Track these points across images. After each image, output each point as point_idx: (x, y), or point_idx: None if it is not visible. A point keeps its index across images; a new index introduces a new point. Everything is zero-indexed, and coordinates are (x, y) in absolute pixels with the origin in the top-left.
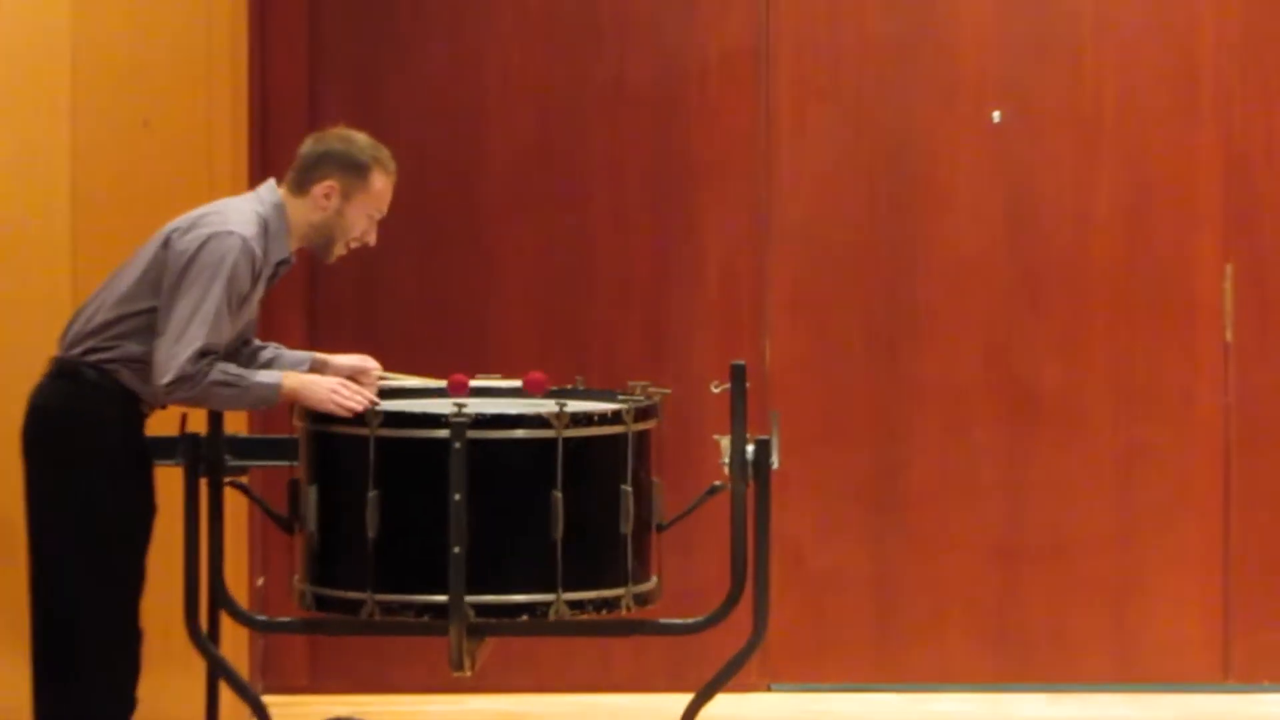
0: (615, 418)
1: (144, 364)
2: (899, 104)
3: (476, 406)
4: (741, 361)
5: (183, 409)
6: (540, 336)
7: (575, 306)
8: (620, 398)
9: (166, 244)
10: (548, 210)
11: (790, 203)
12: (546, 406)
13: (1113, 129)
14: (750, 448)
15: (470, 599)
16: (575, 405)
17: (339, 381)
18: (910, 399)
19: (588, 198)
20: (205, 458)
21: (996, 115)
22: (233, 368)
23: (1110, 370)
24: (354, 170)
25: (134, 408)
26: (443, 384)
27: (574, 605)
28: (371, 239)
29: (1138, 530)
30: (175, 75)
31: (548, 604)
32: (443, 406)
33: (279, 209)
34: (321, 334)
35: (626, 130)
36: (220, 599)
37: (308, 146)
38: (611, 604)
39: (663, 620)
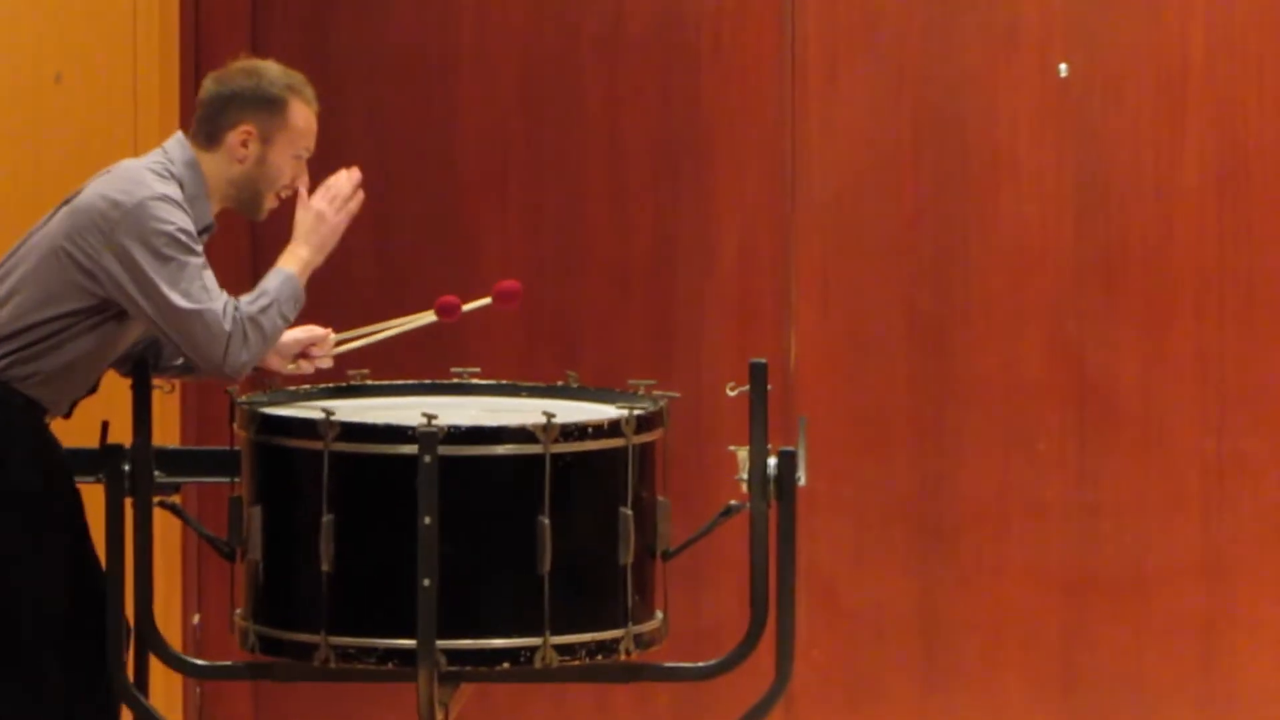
0: (613, 429)
1: (72, 371)
2: (948, 54)
3: (450, 417)
4: (762, 360)
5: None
6: (525, 330)
7: (566, 295)
8: (619, 402)
9: (79, 233)
10: (532, 183)
11: (819, 173)
12: (532, 416)
13: (1201, 83)
14: (772, 461)
15: (442, 644)
16: (567, 414)
17: (311, 210)
18: (961, 404)
19: (579, 167)
20: (131, 474)
21: (1063, 68)
22: (246, 298)
23: (1198, 370)
24: (269, 107)
25: (41, 422)
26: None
27: (564, 650)
28: (303, 182)
29: (1229, 558)
30: (94, 23)
31: (533, 649)
32: (410, 417)
33: (193, 167)
34: None
35: (625, 87)
36: (149, 640)
37: (209, 89)
38: (609, 648)
39: (669, 664)
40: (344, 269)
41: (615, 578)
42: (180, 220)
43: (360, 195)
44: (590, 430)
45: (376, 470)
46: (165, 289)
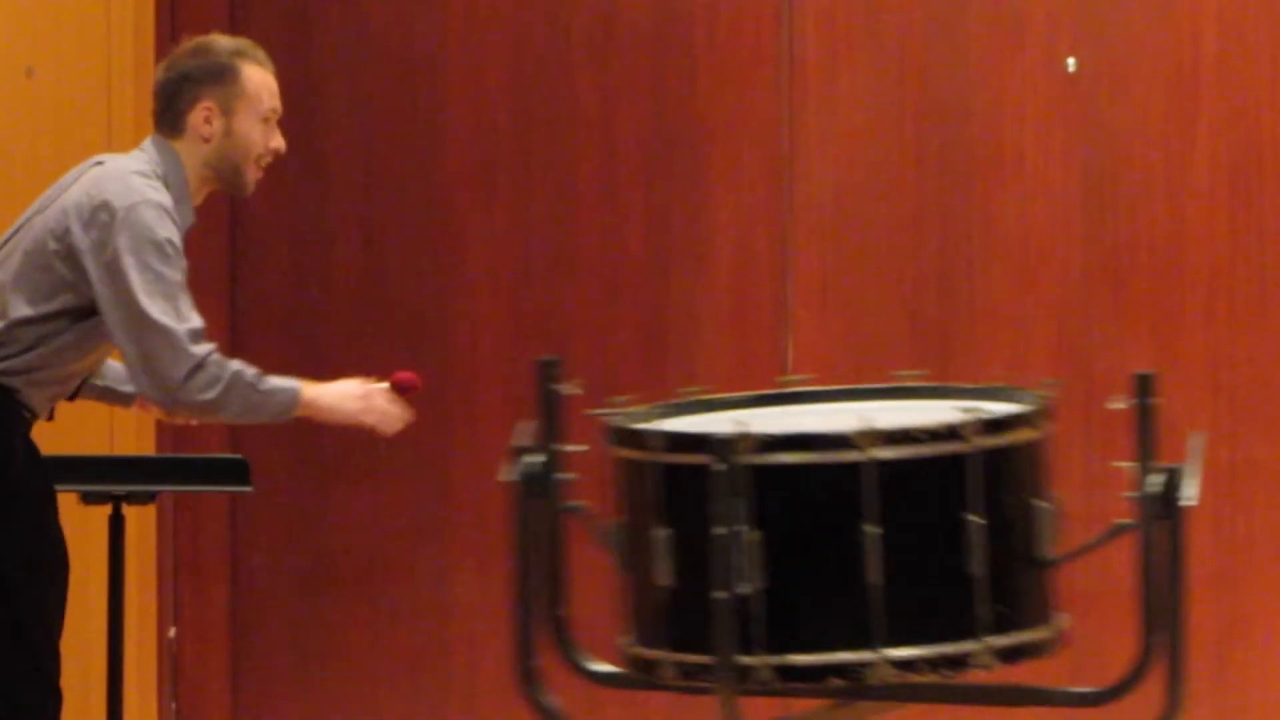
0: (950, 434)
1: (40, 370)
2: (952, 50)
3: (886, 420)
4: (1148, 371)
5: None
6: (513, 336)
7: (555, 299)
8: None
9: (68, 232)
10: (521, 182)
11: (818, 173)
12: (948, 414)
13: (1213, 78)
14: (1159, 478)
15: (772, 659)
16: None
17: (360, 386)
18: None
19: (571, 166)
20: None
21: (1071, 63)
22: (250, 368)
23: (1210, 373)
24: (221, 78)
25: (28, 426)
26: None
27: (902, 665)
28: (279, 143)
29: (1244, 565)
30: (66, 18)
31: (866, 663)
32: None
33: (174, 162)
34: (246, 331)
35: (618, 83)
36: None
37: (160, 77)
38: (957, 662)
39: (1047, 688)
40: (328, 270)
41: (963, 588)
42: (169, 232)
43: (399, 425)
44: (920, 435)
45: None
46: (141, 297)
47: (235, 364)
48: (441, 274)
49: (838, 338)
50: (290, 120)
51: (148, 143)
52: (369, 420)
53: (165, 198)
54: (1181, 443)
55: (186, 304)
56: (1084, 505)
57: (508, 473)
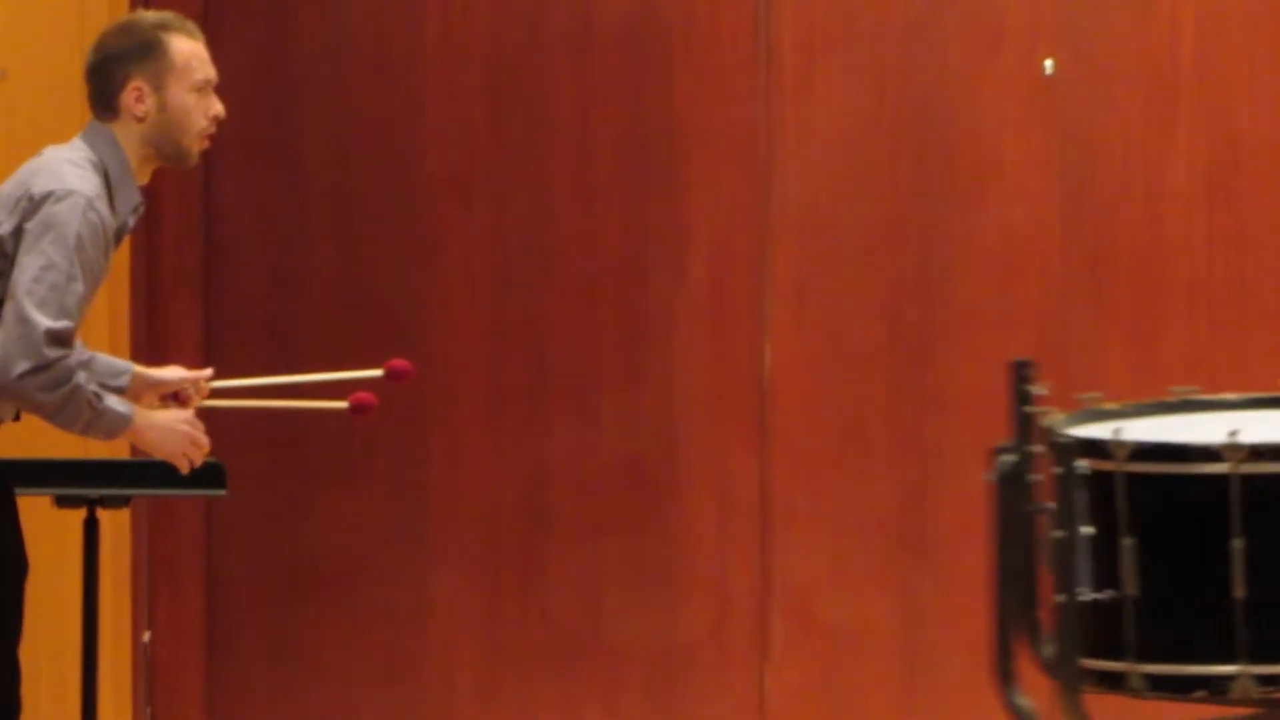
0: None
1: None
2: (930, 52)
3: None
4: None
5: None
6: (488, 336)
7: (533, 301)
8: None
9: (10, 218)
10: (499, 184)
11: (795, 175)
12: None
13: (1192, 81)
14: None
15: (1149, 668)
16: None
17: (188, 423)
18: (943, 413)
19: (548, 169)
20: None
21: (1049, 65)
22: (92, 379)
23: (1189, 376)
24: (147, 54)
25: None
26: (275, 381)
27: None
28: (218, 110)
29: None
30: (39, 19)
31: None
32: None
33: (113, 144)
34: (222, 333)
35: (595, 86)
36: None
37: (88, 61)
38: None
39: None
40: (304, 271)
41: None
42: (83, 225)
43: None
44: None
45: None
46: (25, 281)
47: (81, 377)
48: (419, 276)
49: (815, 340)
50: (266, 121)
51: (90, 129)
52: (180, 463)
53: (94, 186)
54: None
55: (71, 300)
56: None
57: (988, 474)
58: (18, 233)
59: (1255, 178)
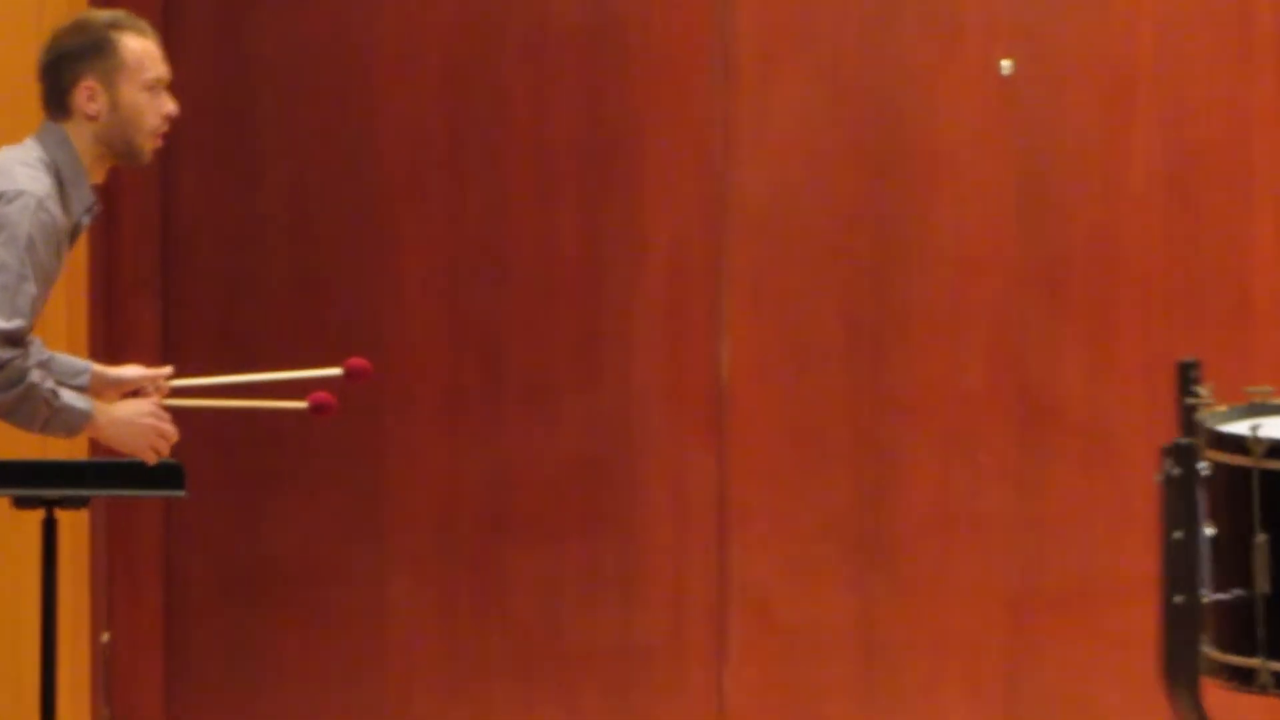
0: None
1: None
2: (888, 52)
3: None
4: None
5: None
6: (445, 336)
7: (489, 301)
8: None
9: None
10: (455, 186)
11: (753, 174)
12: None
13: (1150, 81)
14: None
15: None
16: None
17: (152, 415)
18: (900, 412)
19: (504, 170)
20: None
21: (1007, 65)
22: (49, 377)
23: (1146, 379)
24: (99, 52)
25: None
26: (234, 380)
27: None
28: (171, 109)
29: None
30: None
31: None
32: None
33: (65, 144)
34: (180, 332)
35: (551, 84)
36: None
37: (40, 61)
38: None
39: None
40: (261, 271)
41: None
42: (33, 226)
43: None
44: None
45: None
46: None
47: (35, 375)
48: (375, 276)
49: (772, 339)
50: (224, 122)
51: (43, 129)
52: (147, 456)
53: (44, 186)
54: (1118, 448)
55: (23, 300)
56: (1016, 508)
57: (1157, 474)
58: None
59: (1212, 178)
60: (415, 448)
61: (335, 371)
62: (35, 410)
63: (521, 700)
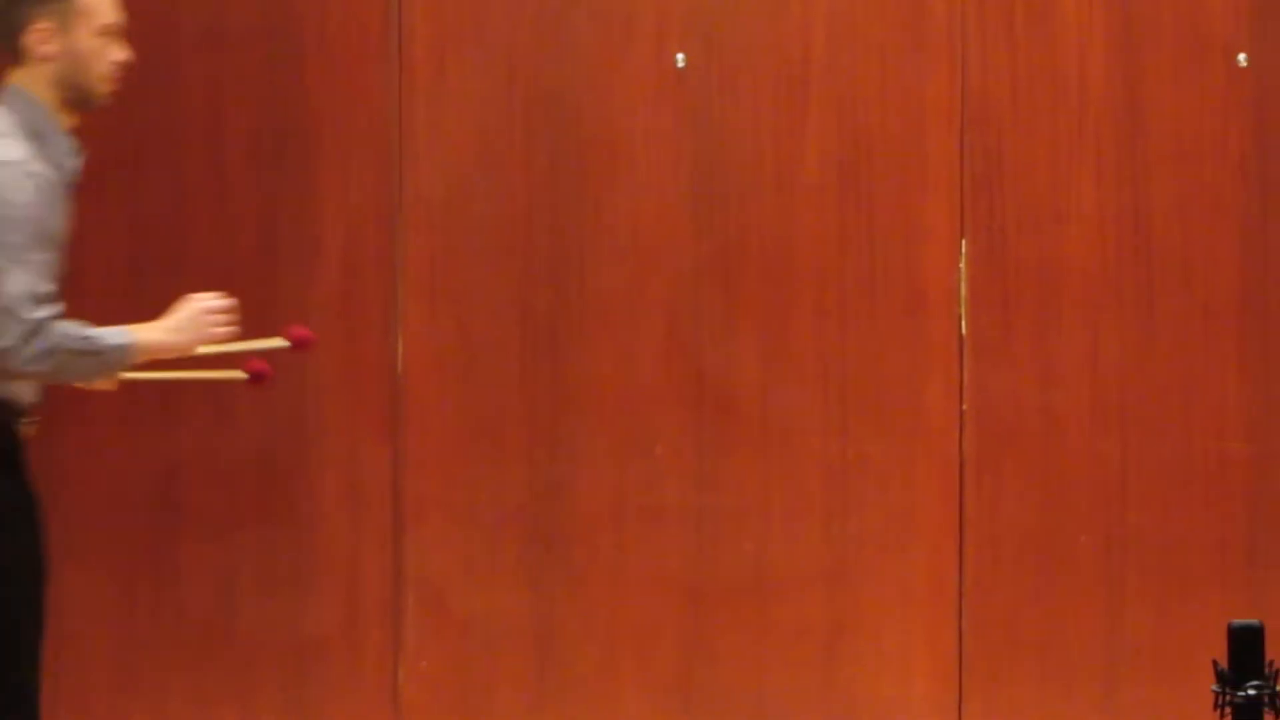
0: None
1: None
2: (561, 47)
3: None
4: None
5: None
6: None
7: (167, 294)
8: None
9: None
10: (132, 178)
11: (428, 168)
12: None
13: (822, 72)
14: None
15: None
16: None
17: (197, 308)
18: (576, 406)
19: (180, 162)
20: None
21: (680, 58)
22: (74, 326)
23: (820, 370)
24: None
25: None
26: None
27: None
28: (124, 54)
29: (854, 563)
30: None
31: None
32: None
33: (29, 101)
34: None
35: (227, 81)
36: None
37: None
38: None
39: None
40: None
41: None
42: (33, 195)
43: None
44: None
45: None
46: None
47: (73, 329)
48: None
49: (447, 333)
50: None
51: (8, 90)
52: (210, 339)
53: (21, 150)
54: (793, 440)
55: (34, 266)
56: (692, 500)
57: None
58: None
59: (885, 171)
60: (90, 440)
61: (282, 344)
62: (85, 363)
63: (197, 692)
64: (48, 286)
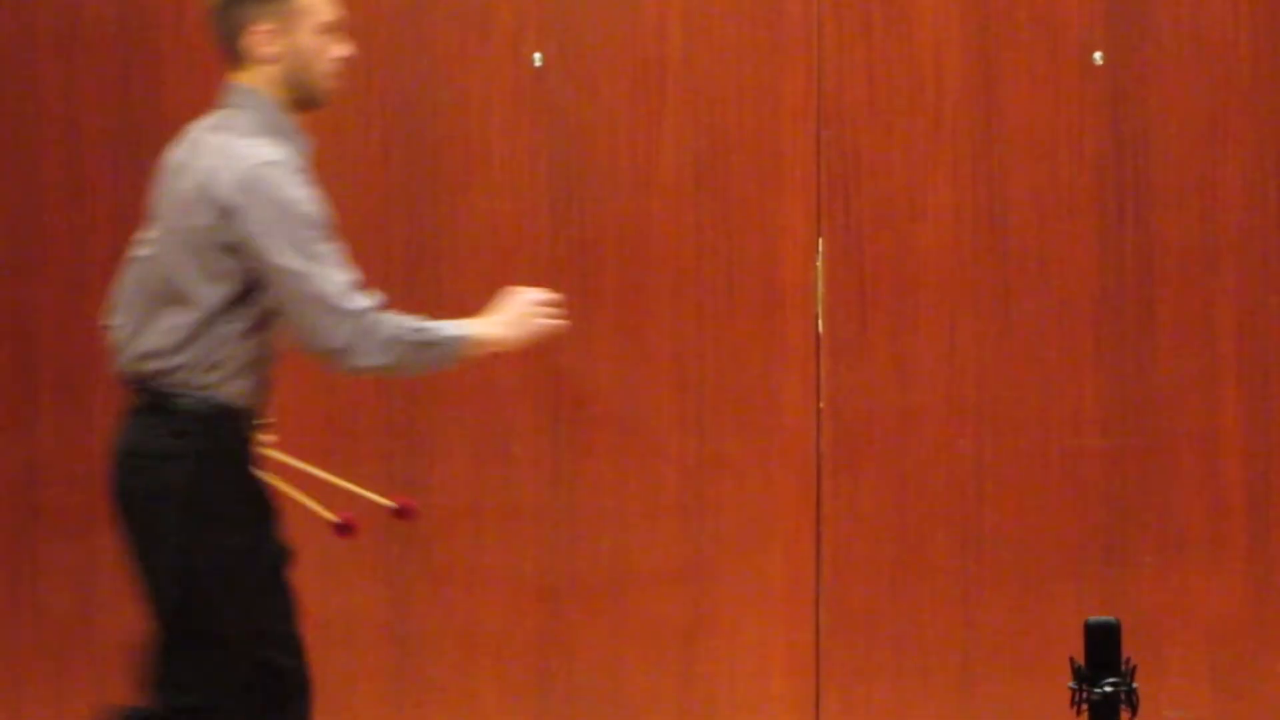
0: None
1: (254, 362)
2: (418, 46)
3: None
4: None
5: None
6: None
7: (23, 297)
8: None
9: (217, 210)
10: None
11: None
12: None
13: (679, 71)
14: None
15: None
16: None
17: (525, 304)
18: (432, 404)
19: (36, 161)
20: None
21: (538, 57)
22: (410, 321)
23: (676, 368)
24: None
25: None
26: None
27: None
28: (345, 50)
29: (710, 562)
30: None
31: None
32: None
33: (261, 101)
34: None
35: (83, 79)
36: None
37: (210, 7)
38: None
39: None
40: None
41: None
42: (301, 190)
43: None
44: None
45: None
46: (284, 254)
47: (388, 320)
48: None
49: None
50: None
51: (237, 94)
52: (522, 342)
53: (278, 151)
54: (650, 438)
55: (339, 257)
56: (549, 499)
57: None
58: (236, 228)
59: (742, 169)
60: None
61: (389, 504)
62: (422, 355)
63: (54, 693)
64: (356, 274)
